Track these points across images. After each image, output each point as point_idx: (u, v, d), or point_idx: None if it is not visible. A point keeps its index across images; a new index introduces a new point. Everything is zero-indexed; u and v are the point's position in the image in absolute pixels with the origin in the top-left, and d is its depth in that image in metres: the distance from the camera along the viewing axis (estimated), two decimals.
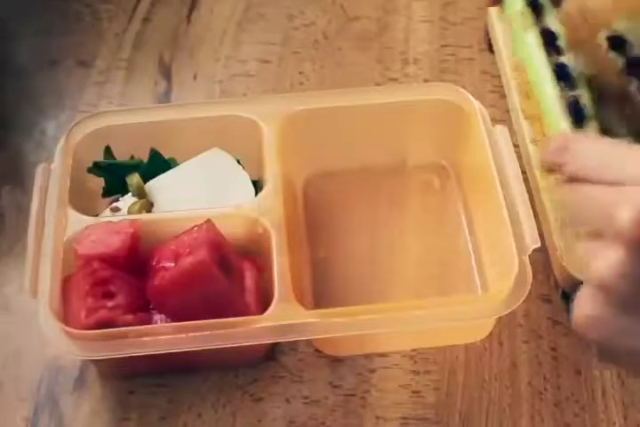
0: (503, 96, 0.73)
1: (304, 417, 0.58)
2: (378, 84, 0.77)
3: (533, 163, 0.65)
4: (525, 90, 0.68)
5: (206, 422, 0.58)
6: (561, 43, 0.66)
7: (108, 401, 0.59)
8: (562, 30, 0.66)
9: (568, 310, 0.61)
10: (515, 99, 0.70)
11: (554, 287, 0.63)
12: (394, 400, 0.58)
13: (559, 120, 0.63)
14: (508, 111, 0.72)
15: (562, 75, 0.65)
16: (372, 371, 0.59)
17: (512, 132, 0.70)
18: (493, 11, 0.76)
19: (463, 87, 0.75)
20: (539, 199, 0.64)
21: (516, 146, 0.69)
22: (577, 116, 0.63)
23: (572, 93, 0.64)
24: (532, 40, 0.67)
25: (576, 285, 0.59)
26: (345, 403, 0.58)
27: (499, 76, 0.75)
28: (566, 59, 0.65)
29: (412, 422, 0.57)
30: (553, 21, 0.67)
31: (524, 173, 0.67)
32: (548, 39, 0.67)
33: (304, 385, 0.59)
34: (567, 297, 0.62)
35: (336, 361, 0.60)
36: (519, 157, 0.68)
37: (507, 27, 0.73)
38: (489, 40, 0.78)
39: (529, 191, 0.66)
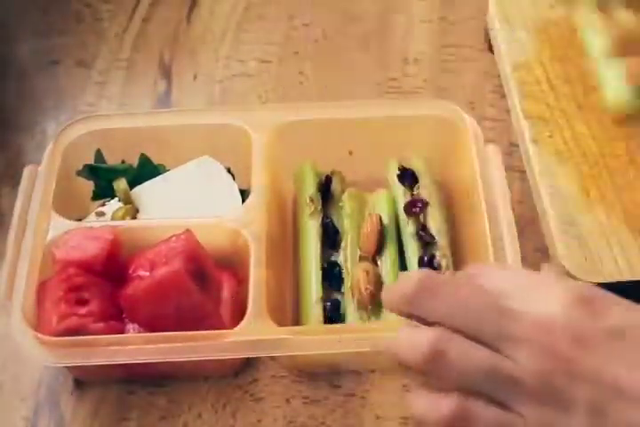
0: (503, 96, 0.73)
1: (304, 417, 0.58)
2: (378, 84, 0.77)
3: (533, 163, 0.65)
4: None
5: (206, 422, 0.58)
6: None
7: (107, 401, 0.59)
8: None
9: None
10: (515, 99, 0.69)
11: None
12: (394, 400, 0.58)
13: None
14: (508, 111, 0.72)
15: None
16: (372, 371, 0.59)
17: (512, 132, 0.71)
18: (493, 11, 0.76)
19: (463, 87, 0.76)
20: (539, 199, 0.64)
21: (515, 146, 0.70)
22: None
23: None
24: None
25: None
26: (345, 403, 0.58)
27: (499, 76, 0.74)
28: None
29: (412, 422, 0.57)
30: None
31: (523, 172, 0.67)
32: None
33: (304, 385, 0.59)
34: None
35: None
36: (518, 158, 0.69)
37: (507, 26, 0.73)
38: (489, 40, 0.78)
39: (529, 191, 0.66)
